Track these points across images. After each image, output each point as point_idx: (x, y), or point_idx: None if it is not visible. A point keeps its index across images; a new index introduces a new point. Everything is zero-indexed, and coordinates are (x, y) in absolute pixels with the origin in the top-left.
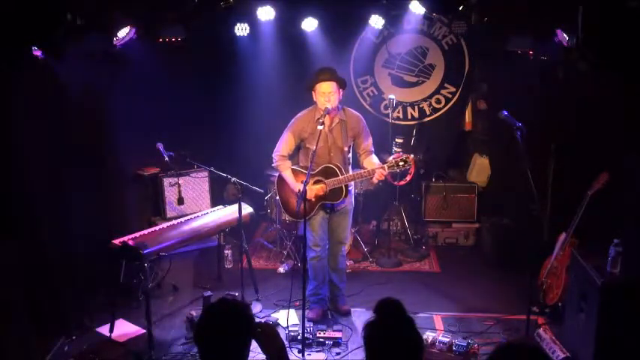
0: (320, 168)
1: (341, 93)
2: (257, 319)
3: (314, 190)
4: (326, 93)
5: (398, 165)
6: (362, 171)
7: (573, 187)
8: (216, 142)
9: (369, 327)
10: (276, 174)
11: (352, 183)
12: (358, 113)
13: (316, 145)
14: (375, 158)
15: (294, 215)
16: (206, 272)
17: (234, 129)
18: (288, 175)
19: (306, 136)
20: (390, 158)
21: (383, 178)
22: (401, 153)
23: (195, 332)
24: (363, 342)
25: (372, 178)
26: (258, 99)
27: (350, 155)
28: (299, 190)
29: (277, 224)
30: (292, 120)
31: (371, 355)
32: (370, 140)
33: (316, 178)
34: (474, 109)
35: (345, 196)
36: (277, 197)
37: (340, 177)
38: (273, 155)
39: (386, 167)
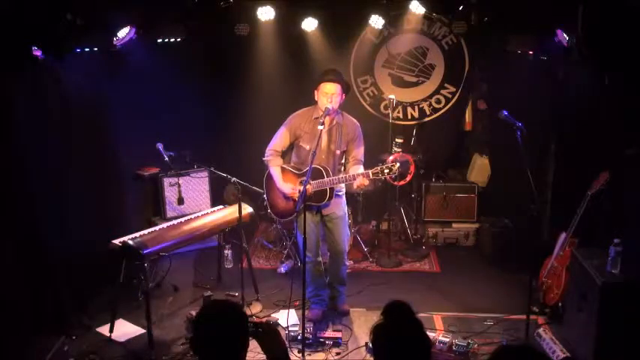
0: (307, 168)
1: (343, 97)
2: (257, 319)
3: (298, 190)
4: (329, 94)
5: (383, 172)
6: (346, 175)
7: (573, 187)
8: (216, 142)
9: (376, 329)
10: None
11: (343, 190)
12: (356, 120)
13: (317, 145)
14: (360, 169)
15: (279, 214)
16: (206, 272)
17: (234, 129)
18: (276, 173)
19: (301, 134)
20: (390, 158)
21: (363, 186)
22: (400, 153)
23: (190, 343)
24: (370, 344)
25: (353, 183)
26: (258, 99)
27: (343, 160)
28: (299, 191)
29: (277, 224)
30: (289, 116)
31: (378, 358)
32: (361, 150)
33: (302, 179)
34: (473, 109)
35: (330, 198)
36: (264, 195)
37: (325, 179)
38: (266, 149)
39: (370, 174)
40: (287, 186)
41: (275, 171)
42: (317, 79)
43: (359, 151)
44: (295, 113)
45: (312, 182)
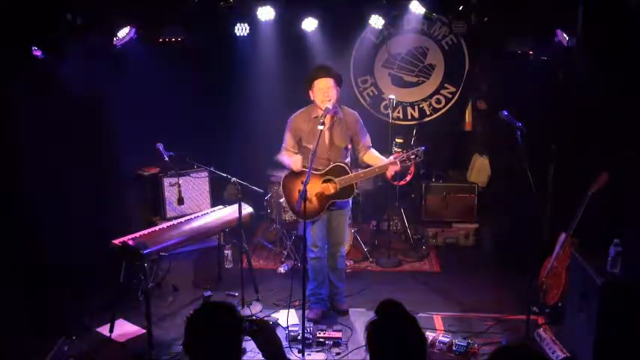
0: (329, 167)
1: (338, 90)
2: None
3: (323, 189)
4: (324, 89)
5: (410, 159)
6: (373, 167)
7: (573, 187)
8: (216, 142)
9: (370, 327)
10: (277, 174)
11: None
12: (354, 111)
13: (317, 145)
14: (375, 152)
15: (301, 215)
16: (206, 272)
17: (234, 129)
18: (285, 158)
19: (303, 135)
20: (391, 158)
21: (395, 172)
22: (402, 152)
23: (183, 347)
24: (365, 343)
25: (385, 173)
26: (258, 99)
27: (349, 154)
28: (299, 168)
29: (277, 224)
30: (289, 119)
31: (375, 357)
32: (368, 136)
33: (326, 177)
34: (474, 109)
35: (354, 191)
36: (282, 199)
37: (351, 175)
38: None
39: (398, 162)
40: (298, 159)
41: (285, 158)
42: (309, 78)
43: (366, 139)
44: (293, 115)
45: (337, 180)
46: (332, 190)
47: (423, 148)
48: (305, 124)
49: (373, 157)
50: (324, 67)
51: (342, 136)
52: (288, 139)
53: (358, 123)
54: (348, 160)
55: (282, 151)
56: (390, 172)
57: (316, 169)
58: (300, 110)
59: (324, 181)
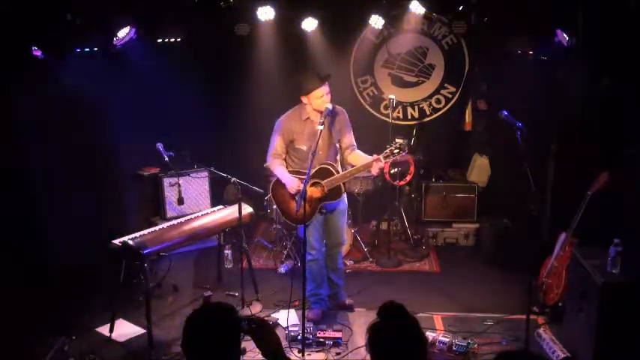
0: (314, 170)
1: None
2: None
3: (311, 193)
4: (323, 95)
5: (393, 153)
6: (359, 166)
7: (573, 187)
8: (216, 142)
9: (372, 330)
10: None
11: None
12: (340, 107)
13: (316, 146)
14: (359, 152)
15: (294, 220)
16: (206, 272)
17: (234, 129)
18: (280, 171)
19: (295, 137)
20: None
21: (380, 170)
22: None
23: (182, 347)
24: (367, 345)
25: (370, 171)
26: (258, 99)
27: (338, 152)
28: (297, 189)
29: (277, 224)
30: (277, 122)
31: (376, 358)
32: (352, 134)
33: (313, 180)
34: (474, 109)
35: (343, 193)
36: (275, 206)
37: (337, 175)
38: (267, 157)
39: (382, 157)
40: (295, 180)
41: (279, 170)
42: (305, 90)
43: (351, 137)
44: (282, 118)
45: (323, 182)
46: (320, 193)
47: (405, 140)
48: (296, 125)
49: (358, 157)
50: (314, 75)
51: (333, 131)
52: (279, 143)
53: (345, 117)
54: (337, 156)
55: (271, 157)
56: (374, 170)
57: (304, 173)
58: (289, 112)
59: (311, 185)
